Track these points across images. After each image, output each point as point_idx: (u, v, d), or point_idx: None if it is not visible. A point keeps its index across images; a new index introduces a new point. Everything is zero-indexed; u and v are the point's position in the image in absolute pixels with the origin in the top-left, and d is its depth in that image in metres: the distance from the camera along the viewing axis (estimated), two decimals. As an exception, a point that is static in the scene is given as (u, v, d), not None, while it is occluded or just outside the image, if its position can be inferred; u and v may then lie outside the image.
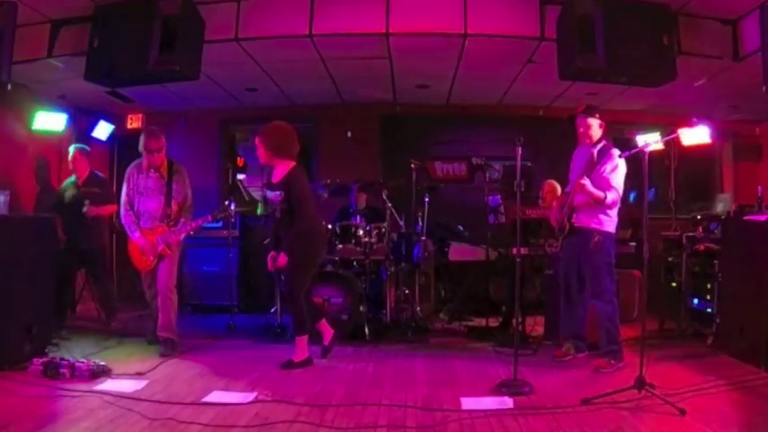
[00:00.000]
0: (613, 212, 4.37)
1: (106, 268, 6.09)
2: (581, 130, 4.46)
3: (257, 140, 4.44)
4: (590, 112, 4.46)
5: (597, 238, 4.31)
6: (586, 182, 4.20)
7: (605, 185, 4.26)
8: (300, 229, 4.34)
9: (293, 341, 4.45)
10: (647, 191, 3.83)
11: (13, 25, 4.35)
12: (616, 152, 4.27)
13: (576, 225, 4.42)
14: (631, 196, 4.47)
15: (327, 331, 4.67)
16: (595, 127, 4.44)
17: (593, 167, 4.27)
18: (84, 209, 5.56)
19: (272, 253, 4.60)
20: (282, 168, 4.43)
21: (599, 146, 4.38)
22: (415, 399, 3.62)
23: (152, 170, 4.84)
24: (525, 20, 5.01)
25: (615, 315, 4.36)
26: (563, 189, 4.96)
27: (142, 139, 4.80)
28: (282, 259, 4.35)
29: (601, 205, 4.27)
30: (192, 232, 4.99)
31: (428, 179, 6.45)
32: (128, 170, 4.93)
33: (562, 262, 4.66)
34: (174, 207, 4.83)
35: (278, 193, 4.39)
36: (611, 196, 4.23)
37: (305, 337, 4.48)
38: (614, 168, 4.28)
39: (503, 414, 3.32)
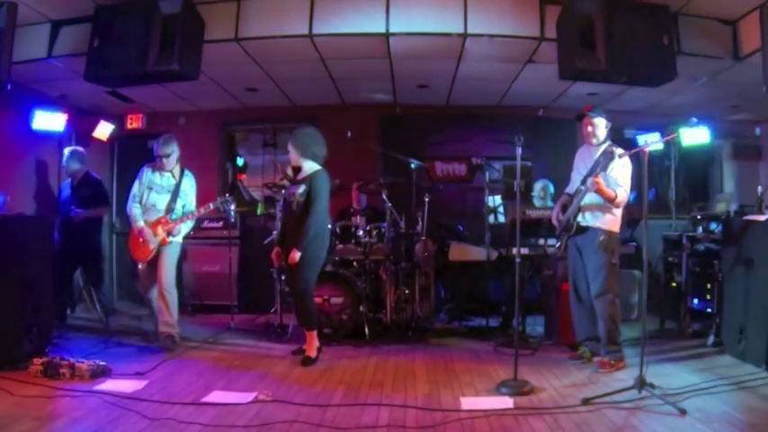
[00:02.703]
0: (618, 212, 4.37)
1: (102, 269, 6.09)
2: (588, 129, 4.45)
3: (289, 144, 4.74)
4: (597, 111, 4.45)
5: (602, 237, 4.31)
6: (601, 181, 4.18)
7: (614, 184, 4.25)
8: (310, 225, 4.48)
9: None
10: (646, 191, 3.84)
11: (13, 25, 4.36)
12: (621, 151, 4.25)
13: (581, 224, 4.41)
14: (632, 197, 4.49)
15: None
16: (602, 127, 4.43)
17: (602, 167, 4.23)
18: (72, 214, 5.61)
19: (277, 249, 4.79)
20: (308, 168, 4.69)
21: (604, 145, 4.39)
22: (415, 399, 3.63)
23: (165, 170, 5.04)
24: (525, 20, 5.00)
25: (617, 315, 4.35)
26: (561, 188, 4.93)
27: (154, 145, 5.01)
28: (294, 255, 4.44)
29: (611, 204, 4.27)
30: (192, 219, 5.11)
31: (428, 179, 6.44)
32: (143, 168, 5.12)
33: (569, 263, 4.62)
34: (178, 206, 5.00)
35: (303, 187, 4.58)
36: (621, 195, 4.24)
37: (315, 332, 4.62)
38: (622, 167, 4.28)
39: (503, 414, 3.32)
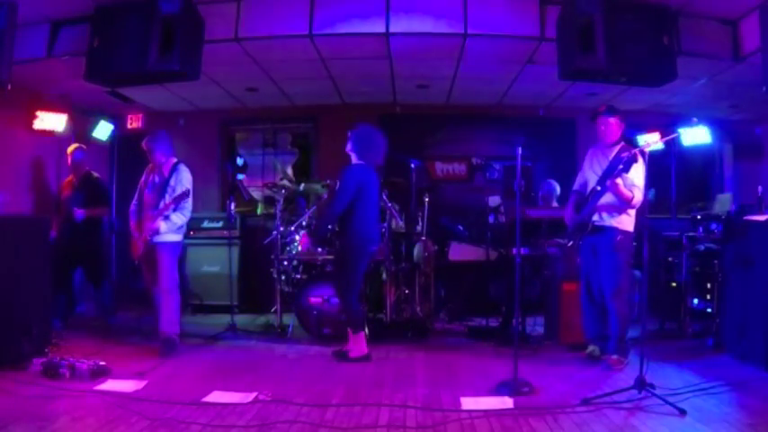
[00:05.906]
0: (633, 212, 4.40)
1: (102, 268, 6.09)
2: (602, 128, 4.45)
3: (350, 132, 4.73)
4: (612, 111, 4.46)
5: (619, 237, 4.32)
6: (620, 182, 4.16)
7: (631, 185, 4.25)
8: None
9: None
10: (646, 191, 3.83)
11: (13, 25, 4.35)
12: (637, 151, 4.21)
13: (597, 224, 4.41)
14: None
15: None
16: (615, 126, 4.45)
17: (624, 169, 4.15)
18: (75, 214, 5.60)
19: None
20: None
21: (618, 146, 4.40)
22: (415, 399, 3.62)
23: (156, 168, 5.02)
24: (525, 20, 5.01)
25: (629, 314, 4.39)
26: (568, 188, 4.90)
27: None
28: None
29: (628, 205, 4.28)
30: (167, 215, 4.84)
31: (428, 179, 6.43)
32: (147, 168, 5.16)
33: (582, 262, 4.63)
34: (169, 202, 4.87)
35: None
36: (638, 195, 4.25)
37: (362, 334, 4.61)
38: (637, 168, 4.22)
39: (503, 414, 3.32)
